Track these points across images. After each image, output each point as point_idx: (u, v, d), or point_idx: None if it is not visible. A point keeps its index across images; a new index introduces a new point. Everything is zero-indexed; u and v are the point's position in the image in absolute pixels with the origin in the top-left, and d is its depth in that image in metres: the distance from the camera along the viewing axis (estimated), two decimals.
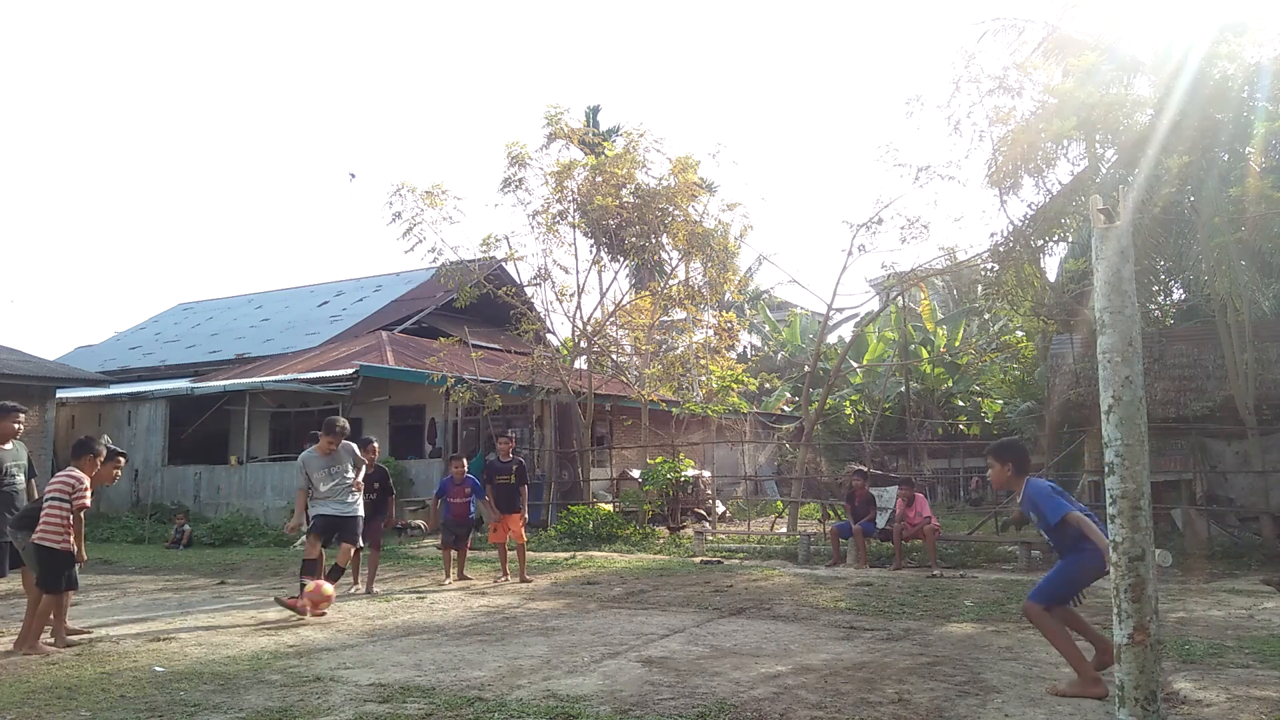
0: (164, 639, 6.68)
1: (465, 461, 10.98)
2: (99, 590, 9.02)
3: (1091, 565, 4.83)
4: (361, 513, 8.43)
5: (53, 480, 6.39)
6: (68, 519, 6.24)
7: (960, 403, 27.60)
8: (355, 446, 8.38)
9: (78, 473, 6.38)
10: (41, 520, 6.23)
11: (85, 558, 6.48)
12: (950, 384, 26.45)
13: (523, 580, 10.21)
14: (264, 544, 15.18)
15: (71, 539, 6.25)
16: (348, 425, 8.47)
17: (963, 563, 11.69)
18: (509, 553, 10.67)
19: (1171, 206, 11.05)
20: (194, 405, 19.33)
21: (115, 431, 18.56)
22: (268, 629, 7.14)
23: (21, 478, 7.28)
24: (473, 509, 10.72)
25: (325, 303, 28.82)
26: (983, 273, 16.66)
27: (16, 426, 7.15)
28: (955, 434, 26.41)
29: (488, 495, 10.56)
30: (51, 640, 6.25)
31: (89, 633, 6.86)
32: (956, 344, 25.95)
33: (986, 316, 25.49)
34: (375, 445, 10.24)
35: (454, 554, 10.64)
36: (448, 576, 10.50)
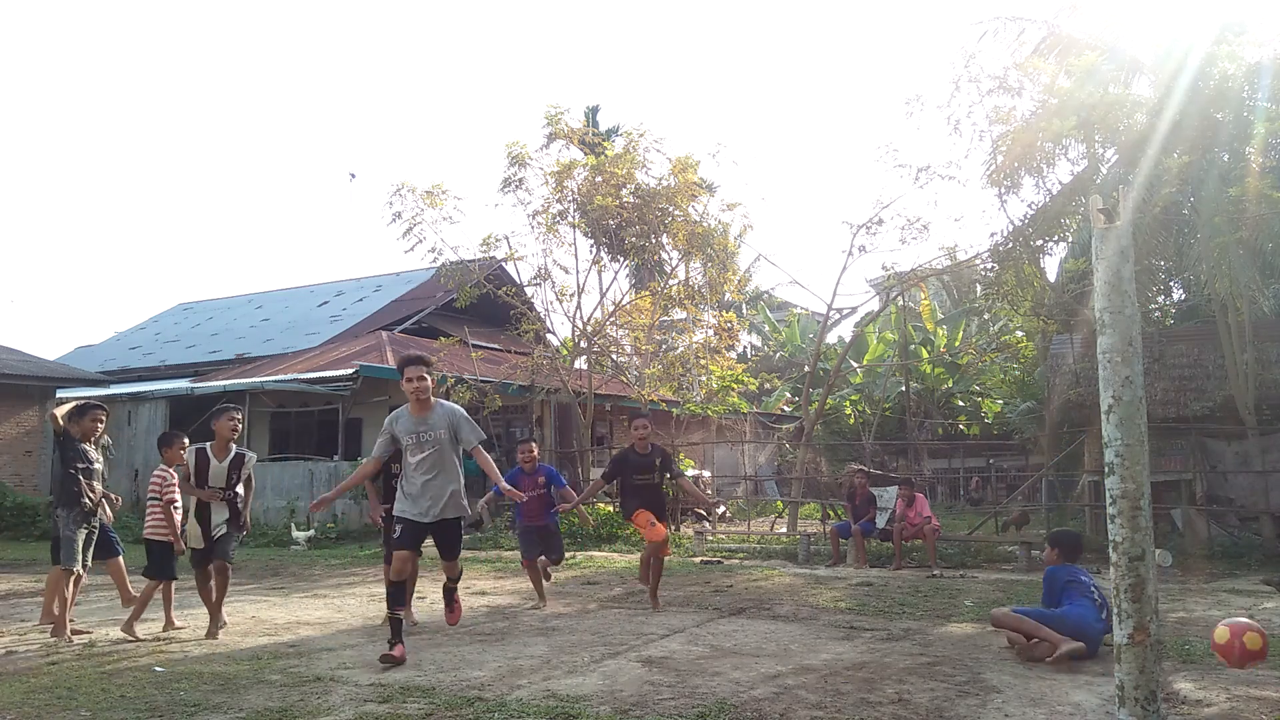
0: (164, 639, 6.69)
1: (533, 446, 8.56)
2: (99, 590, 9.01)
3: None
4: (466, 513, 6.25)
5: (151, 480, 7.19)
6: (164, 512, 7.04)
7: (960, 403, 27.60)
8: (463, 414, 6.06)
9: (164, 468, 7.16)
10: (146, 518, 7.08)
11: (184, 548, 7.03)
12: (950, 384, 26.46)
13: (655, 605, 8.00)
14: (264, 544, 15.16)
15: (171, 531, 7.02)
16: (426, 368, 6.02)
17: (963, 563, 11.69)
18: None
19: (1172, 207, 11.04)
20: (194, 405, 19.33)
21: (115, 432, 18.54)
22: (267, 630, 7.14)
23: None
24: (553, 512, 8.35)
25: (325, 303, 28.81)
26: (983, 273, 16.67)
27: (99, 425, 7.34)
28: (955, 434, 26.41)
29: (622, 498, 8.45)
30: (175, 624, 7.13)
31: (89, 632, 6.87)
32: (956, 344, 25.94)
33: (986, 316, 25.47)
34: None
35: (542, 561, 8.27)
36: (542, 600, 8.19)
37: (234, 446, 6.92)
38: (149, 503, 7.09)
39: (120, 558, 7.79)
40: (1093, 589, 5.90)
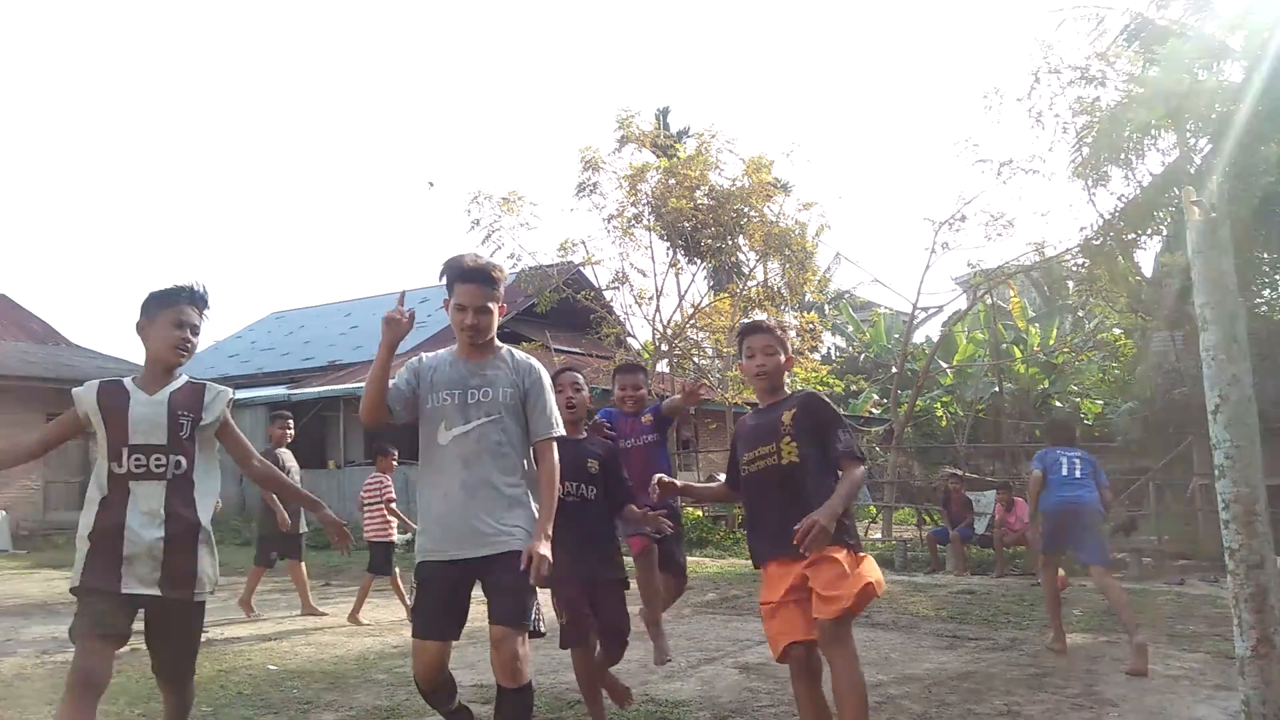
0: (275, 638, 6.91)
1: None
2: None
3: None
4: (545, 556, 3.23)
5: (366, 485, 8.09)
6: (383, 514, 7.89)
7: (1058, 403, 26.78)
8: (547, 379, 3.53)
9: (378, 474, 8.06)
10: (366, 520, 8.00)
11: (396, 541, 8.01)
12: (1046, 384, 25.71)
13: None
14: (363, 546, 15.54)
15: (392, 531, 7.94)
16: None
17: (1070, 570, 11.32)
18: None
19: (1273, 196, 10.54)
20: (290, 411, 19.95)
21: None
22: (372, 630, 7.32)
23: (296, 479, 8.11)
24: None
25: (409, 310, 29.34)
26: (1074, 268, 16.16)
27: (286, 434, 8.12)
28: None
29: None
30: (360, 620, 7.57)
31: (205, 632, 7.14)
32: (1050, 343, 25.19)
33: (1081, 314, 24.67)
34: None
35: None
36: (661, 654, 4.83)
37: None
38: (368, 507, 7.99)
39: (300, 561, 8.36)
40: (1060, 462, 6.43)
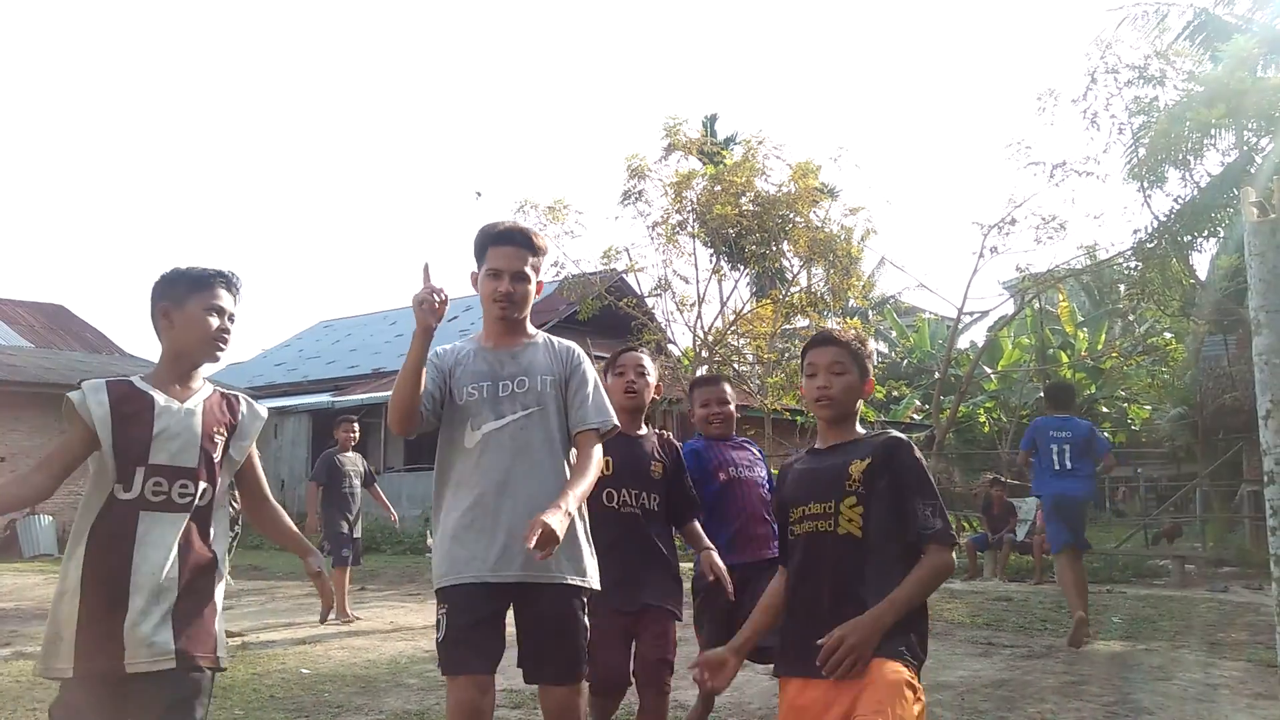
0: (309, 642, 7.00)
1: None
2: (249, 595, 9.53)
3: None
4: (588, 579, 2.89)
5: None
6: None
7: (1105, 409, 26.27)
8: (589, 365, 3.04)
9: None
10: None
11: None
12: (1093, 389, 25.22)
13: None
14: (401, 551, 15.74)
15: None
16: None
17: (1109, 577, 11.11)
18: None
19: None
20: (335, 418, 20.25)
21: (263, 445, 19.41)
22: (405, 634, 7.40)
23: (359, 483, 8.14)
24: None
25: (454, 318, 29.63)
26: (1126, 272, 15.87)
27: (352, 436, 8.12)
28: None
29: None
30: None
31: (242, 635, 7.26)
32: (1099, 347, 24.72)
33: (1131, 318, 24.18)
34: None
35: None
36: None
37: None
38: None
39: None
40: (1051, 450, 6.80)
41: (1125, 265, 15.12)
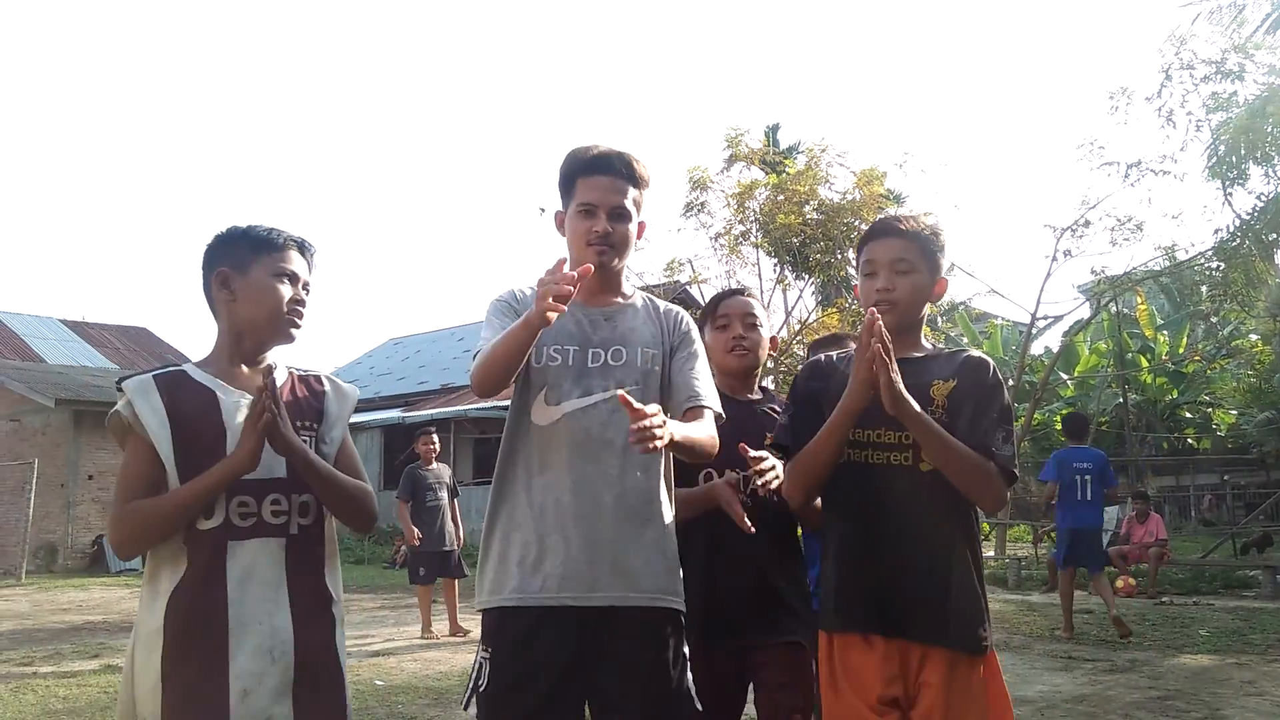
0: (383, 654, 7.11)
1: None
2: None
3: None
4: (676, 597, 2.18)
5: None
6: None
7: (1188, 414, 25.40)
8: (693, 325, 2.37)
9: None
10: None
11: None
12: (1175, 394, 24.41)
13: None
14: (471, 564, 15.89)
15: None
16: None
17: (1195, 589, 10.72)
18: None
19: None
20: (405, 433, 20.58)
21: None
22: (474, 646, 7.47)
23: (445, 494, 8.24)
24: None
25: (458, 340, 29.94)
26: (1207, 273, 15.35)
27: (432, 449, 8.22)
28: (1183, 449, 24.30)
29: None
30: None
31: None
32: (1180, 351, 23.92)
33: (1214, 320, 23.37)
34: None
35: None
36: None
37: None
38: None
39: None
40: (1075, 481, 7.44)
41: (1206, 265, 14.65)
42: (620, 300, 2.29)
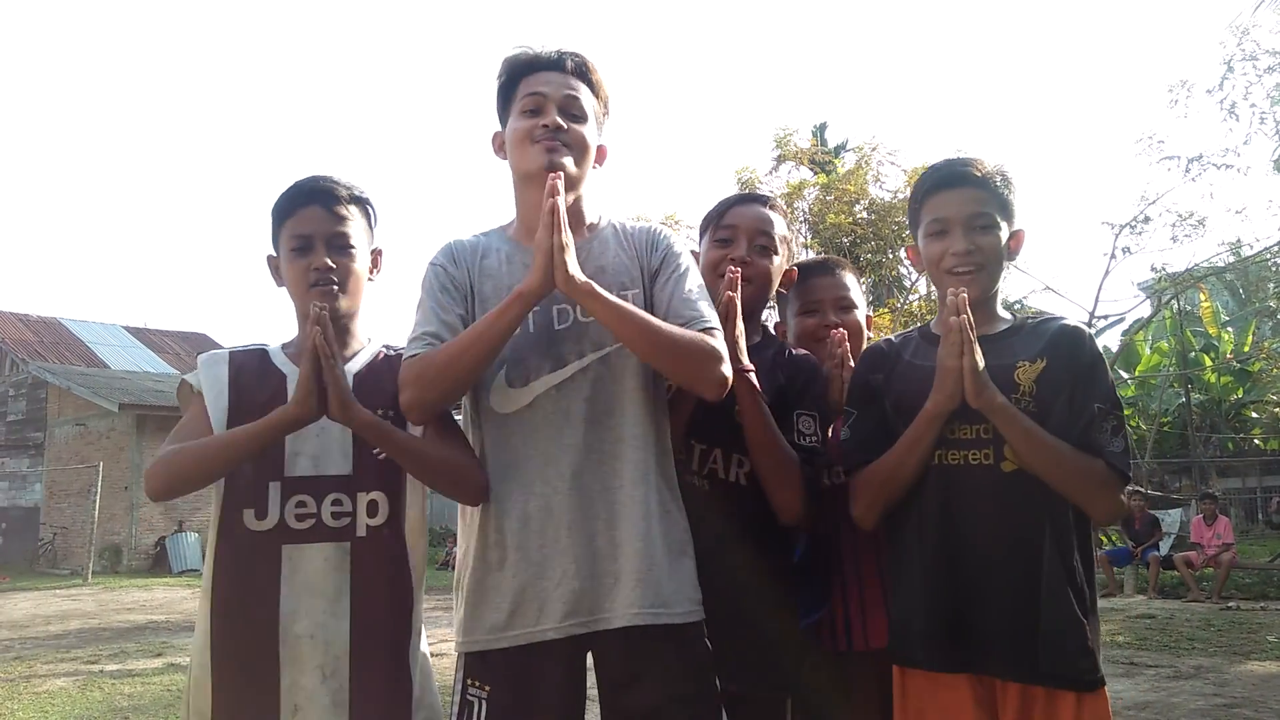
0: (435, 656, 7.17)
1: None
2: None
3: None
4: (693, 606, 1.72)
5: None
6: None
7: (1254, 414, 24.67)
8: (673, 237, 1.88)
9: None
10: None
11: None
12: (1240, 394, 23.74)
13: None
14: None
15: None
16: None
17: (1264, 594, 10.39)
18: None
19: None
20: None
21: None
22: None
23: None
24: None
25: None
26: (1273, 268, 14.91)
27: None
28: (1249, 449, 23.61)
29: None
30: None
31: None
32: (1246, 349, 23.25)
33: None
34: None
35: None
36: None
37: None
38: None
39: None
40: None
41: (1273, 261, 14.21)
42: (584, 232, 1.79)
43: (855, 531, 1.92)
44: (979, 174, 1.77)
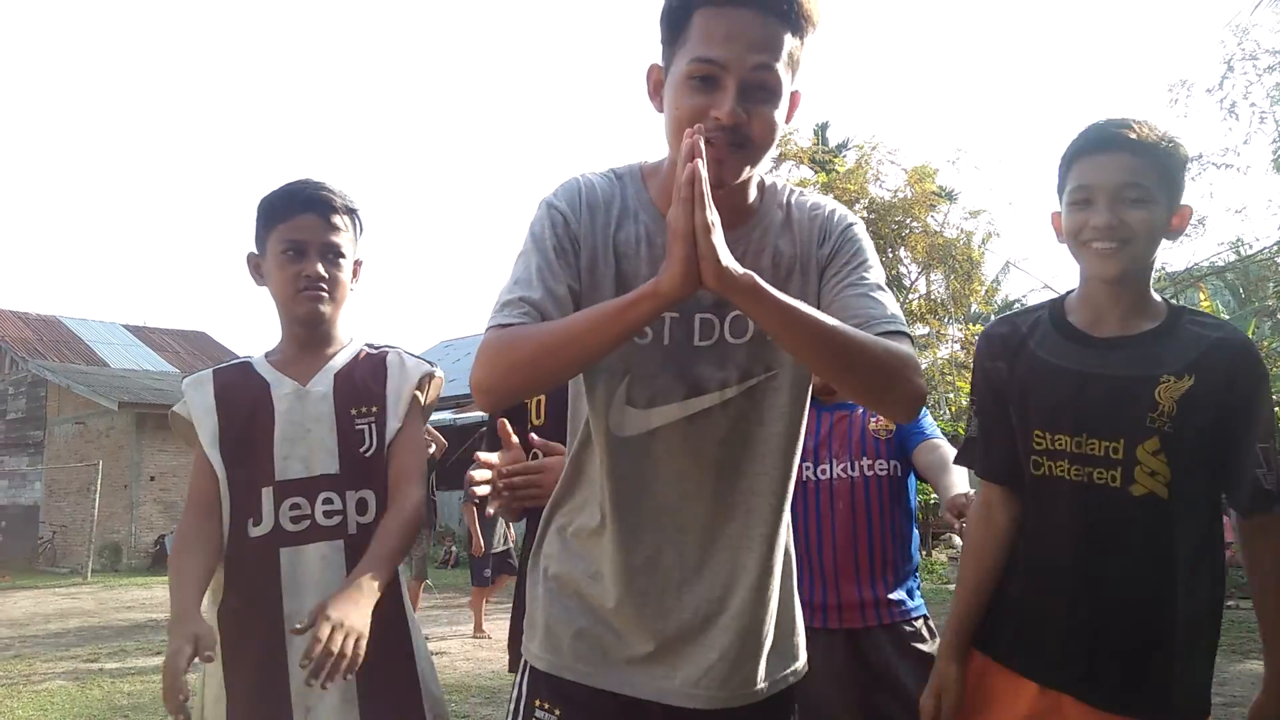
0: (436, 654, 7.17)
1: None
2: None
3: None
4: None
5: None
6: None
7: None
8: (853, 218, 1.45)
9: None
10: None
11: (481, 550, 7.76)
12: None
13: None
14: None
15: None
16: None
17: None
18: None
19: None
20: (457, 435, 20.75)
21: None
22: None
23: None
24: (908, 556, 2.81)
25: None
26: (1273, 267, 14.93)
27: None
28: None
29: None
30: None
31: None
32: None
33: None
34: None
35: None
36: None
37: None
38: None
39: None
40: None
41: (1272, 260, 14.24)
42: (748, 215, 1.40)
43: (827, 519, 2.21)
44: (1135, 137, 1.53)
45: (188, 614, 1.61)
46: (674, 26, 1.29)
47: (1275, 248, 13.23)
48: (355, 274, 1.92)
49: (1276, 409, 1.53)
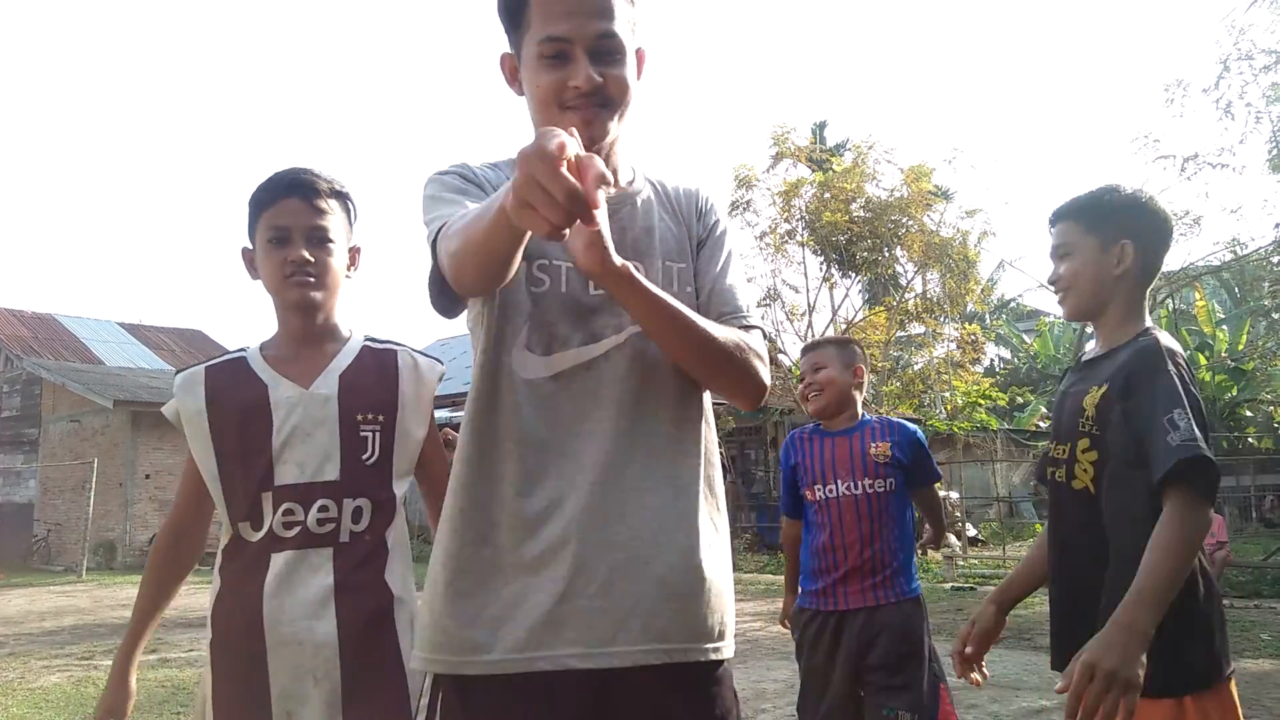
0: None
1: None
2: None
3: None
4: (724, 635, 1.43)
5: None
6: None
7: (1248, 413, 24.77)
8: (700, 194, 1.57)
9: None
10: None
11: None
12: (1235, 392, 23.82)
13: None
14: None
15: None
16: None
17: (1257, 592, 10.43)
18: None
19: None
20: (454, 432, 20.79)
21: None
22: None
23: None
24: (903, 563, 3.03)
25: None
26: (1269, 267, 14.97)
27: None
28: (1243, 448, 23.69)
29: None
30: None
31: None
32: (1240, 348, 23.33)
33: (1276, 315, 22.75)
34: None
35: None
36: None
37: None
38: None
39: None
40: None
41: (1267, 260, 14.28)
42: (624, 187, 1.46)
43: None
44: (1064, 208, 1.92)
45: (119, 670, 1.78)
46: (514, 14, 1.38)
47: (1271, 247, 13.26)
48: (354, 262, 1.87)
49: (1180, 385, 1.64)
